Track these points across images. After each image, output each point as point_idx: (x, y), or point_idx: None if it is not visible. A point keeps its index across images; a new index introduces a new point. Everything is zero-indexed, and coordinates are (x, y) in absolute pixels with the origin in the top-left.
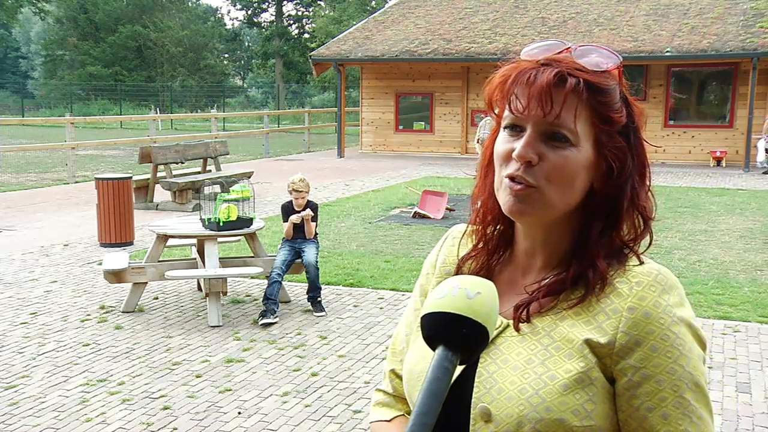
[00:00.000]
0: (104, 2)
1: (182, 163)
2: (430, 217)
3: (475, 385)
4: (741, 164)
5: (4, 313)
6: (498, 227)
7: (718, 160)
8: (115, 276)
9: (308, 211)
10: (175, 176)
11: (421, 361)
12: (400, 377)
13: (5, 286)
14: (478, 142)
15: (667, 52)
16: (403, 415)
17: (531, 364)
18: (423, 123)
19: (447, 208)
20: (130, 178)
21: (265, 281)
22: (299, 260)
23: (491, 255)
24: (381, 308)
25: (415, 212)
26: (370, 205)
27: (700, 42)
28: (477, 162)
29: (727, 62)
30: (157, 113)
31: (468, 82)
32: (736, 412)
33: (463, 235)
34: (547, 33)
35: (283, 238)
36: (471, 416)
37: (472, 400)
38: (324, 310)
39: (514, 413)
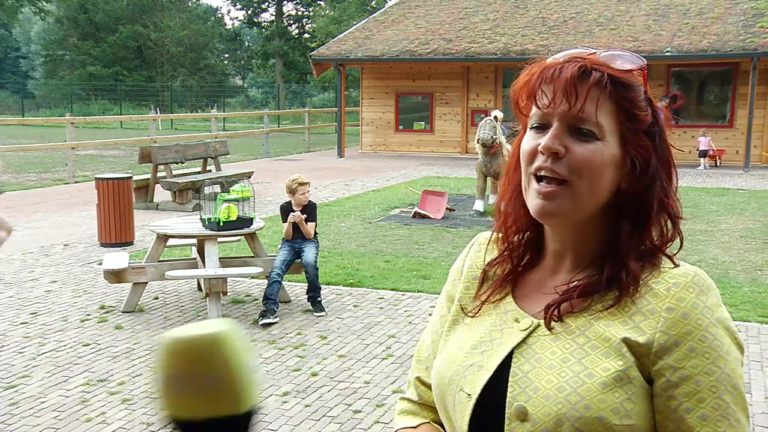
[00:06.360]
0: (104, 2)
1: (182, 163)
2: (430, 217)
3: (509, 384)
4: (741, 164)
5: (4, 313)
6: (526, 234)
7: (713, 159)
8: (115, 276)
9: (298, 213)
10: (175, 176)
11: (450, 366)
12: (425, 385)
13: (5, 286)
14: (478, 142)
15: (667, 52)
16: (428, 422)
17: (567, 363)
18: (423, 123)
19: (447, 208)
20: (130, 178)
21: (265, 281)
22: (299, 260)
23: (518, 261)
24: (381, 308)
25: (415, 212)
26: (370, 205)
27: (700, 42)
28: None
29: (727, 62)
30: (157, 113)
31: (468, 82)
32: None
33: (489, 242)
34: (547, 33)
35: (283, 238)
36: (506, 416)
37: (507, 399)
38: (324, 310)
39: (552, 411)
